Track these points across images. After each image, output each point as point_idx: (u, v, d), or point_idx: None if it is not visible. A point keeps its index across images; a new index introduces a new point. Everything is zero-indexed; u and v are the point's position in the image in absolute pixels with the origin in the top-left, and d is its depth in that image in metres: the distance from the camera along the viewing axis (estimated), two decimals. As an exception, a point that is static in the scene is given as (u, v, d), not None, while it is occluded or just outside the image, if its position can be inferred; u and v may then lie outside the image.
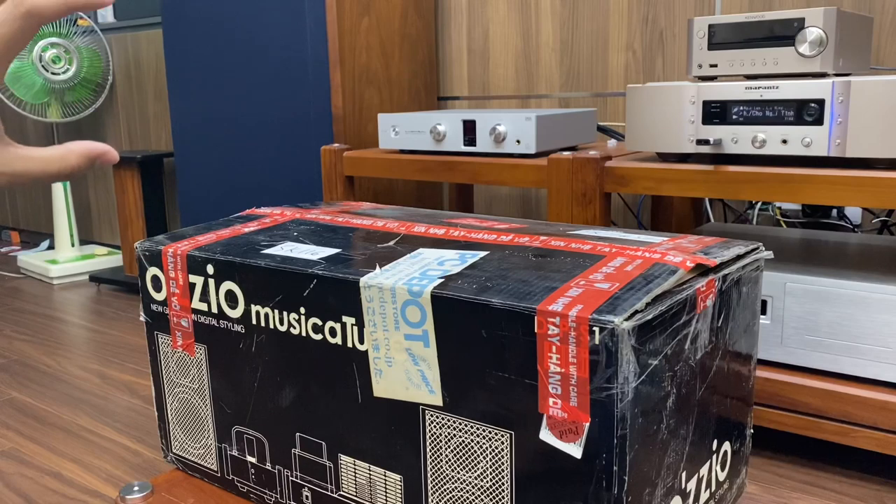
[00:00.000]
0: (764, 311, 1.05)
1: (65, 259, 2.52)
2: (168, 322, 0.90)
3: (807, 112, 0.98)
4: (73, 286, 2.39)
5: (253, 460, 0.86)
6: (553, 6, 1.70)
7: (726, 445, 0.81)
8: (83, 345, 1.77)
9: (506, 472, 0.66)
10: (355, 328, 0.73)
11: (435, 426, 0.70)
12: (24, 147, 0.44)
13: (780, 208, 1.45)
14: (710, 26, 1.11)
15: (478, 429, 0.67)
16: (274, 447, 0.84)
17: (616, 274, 0.66)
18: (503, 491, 0.66)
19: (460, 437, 0.68)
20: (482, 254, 0.75)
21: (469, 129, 1.32)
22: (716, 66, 1.11)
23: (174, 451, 0.96)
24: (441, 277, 0.69)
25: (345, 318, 0.73)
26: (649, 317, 0.60)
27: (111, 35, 2.61)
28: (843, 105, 0.96)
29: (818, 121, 0.98)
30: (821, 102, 0.97)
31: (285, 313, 0.78)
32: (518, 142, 1.28)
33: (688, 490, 0.72)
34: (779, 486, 1.03)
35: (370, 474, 0.76)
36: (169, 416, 0.95)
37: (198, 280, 0.85)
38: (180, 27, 1.82)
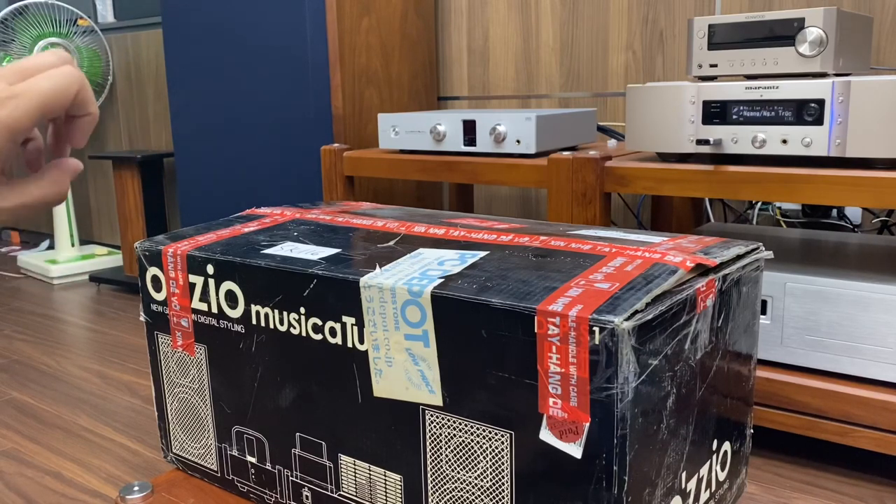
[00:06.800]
0: (764, 311, 1.05)
1: (65, 259, 2.52)
2: (168, 322, 0.90)
3: (807, 112, 0.98)
4: (73, 286, 2.39)
5: (253, 460, 0.86)
6: (553, 6, 1.70)
7: (726, 445, 0.81)
8: (83, 345, 1.77)
9: (506, 472, 0.66)
10: (355, 328, 0.73)
11: (435, 426, 0.70)
12: (17, 179, 0.45)
13: (780, 208, 1.45)
14: (710, 26, 1.11)
15: (478, 429, 0.67)
16: (274, 447, 0.84)
17: (616, 274, 0.66)
18: (503, 491, 0.67)
19: (460, 437, 0.68)
20: (482, 254, 0.75)
21: (469, 129, 1.32)
22: (716, 66, 1.11)
23: (174, 451, 0.96)
24: (441, 277, 0.69)
25: (345, 318, 0.73)
26: (649, 317, 0.60)
27: (111, 35, 2.61)
28: (843, 105, 0.96)
29: (818, 121, 0.98)
30: (821, 102, 0.97)
31: (285, 313, 0.78)
32: (518, 142, 1.28)
33: (688, 490, 0.72)
34: (779, 486, 1.03)
35: (370, 474, 0.76)
36: (169, 416, 0.95)
37: (198, 280, 0.85)
38: (180, 27, 1.82)
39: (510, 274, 0.69)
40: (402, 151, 1.43)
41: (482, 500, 0.68)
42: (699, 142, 1.05)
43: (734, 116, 1.04)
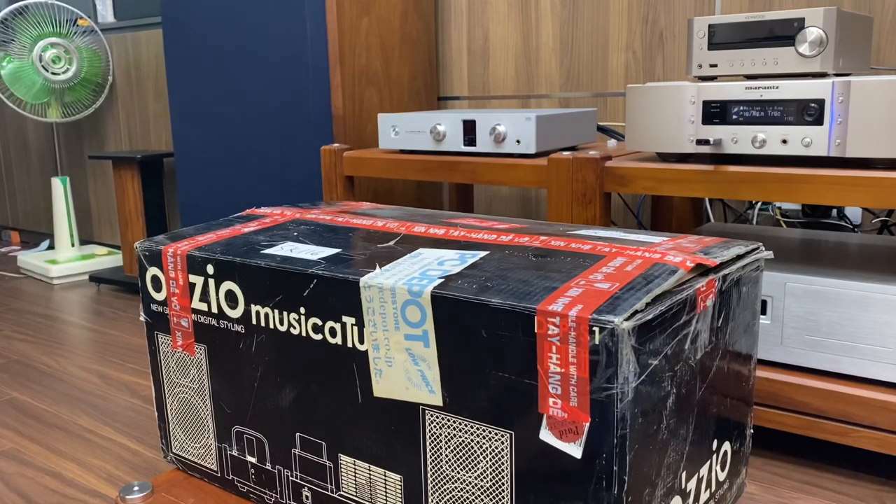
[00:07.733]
0: (764, 311, 1.05)
1: (65, 259, 2.52)
2: (168, 322, 0.90)
3: (807, 112, 0.98)
4: (73, 286, 2.39)
5: (253, 460, 0.86)
6: (553, 6, 1.70)
7: (726, 445, 0.81)
8: (83, 345, 1.77)
9: (506, 472, 0.66)
10: (355, 328, 0.73)
11: (435, 426, 0.70)
12: None
13: (780, 208, 1.45)
14: (710, 26, 1.11)
15: (478, 429, 0.67)
16: (274, 447, 0.84)
17: (616, 274, 0.66)
18: (503, 491, 0.67)
19: (460, 437, 0.68)
20: (482, 254, 0.75)
21: (469, 129, 1.32)
22: (716, 66, 1.11)
23: (174, 451, 0.96)
24: (441, 277, 0.69)
25: (345, 318, 0.73)
26: (649, 317, 0.60)
27: (111, 35, 2.61)
28: (843, 105, 0.96)
29: (818, 121, 0.98)
30: (821, 102, 0.97)
31: (285, 313, 0.78)
32: (518, 142, 1.28)
33: (688, 490, 0.72)
34: (779, 486, 1.03)
35: (370, 474, 0.76)
36: (169, 416, 0.95)
37: (198, 280, 0.85)
38: (180, 27, 1.82)
39: (510, 274, 0.69)
40: (402, 151, 1.43)
41: (482, 500, 0.68)
42: (699, 142, 1.05)
43: (734, 116, 1.04)
